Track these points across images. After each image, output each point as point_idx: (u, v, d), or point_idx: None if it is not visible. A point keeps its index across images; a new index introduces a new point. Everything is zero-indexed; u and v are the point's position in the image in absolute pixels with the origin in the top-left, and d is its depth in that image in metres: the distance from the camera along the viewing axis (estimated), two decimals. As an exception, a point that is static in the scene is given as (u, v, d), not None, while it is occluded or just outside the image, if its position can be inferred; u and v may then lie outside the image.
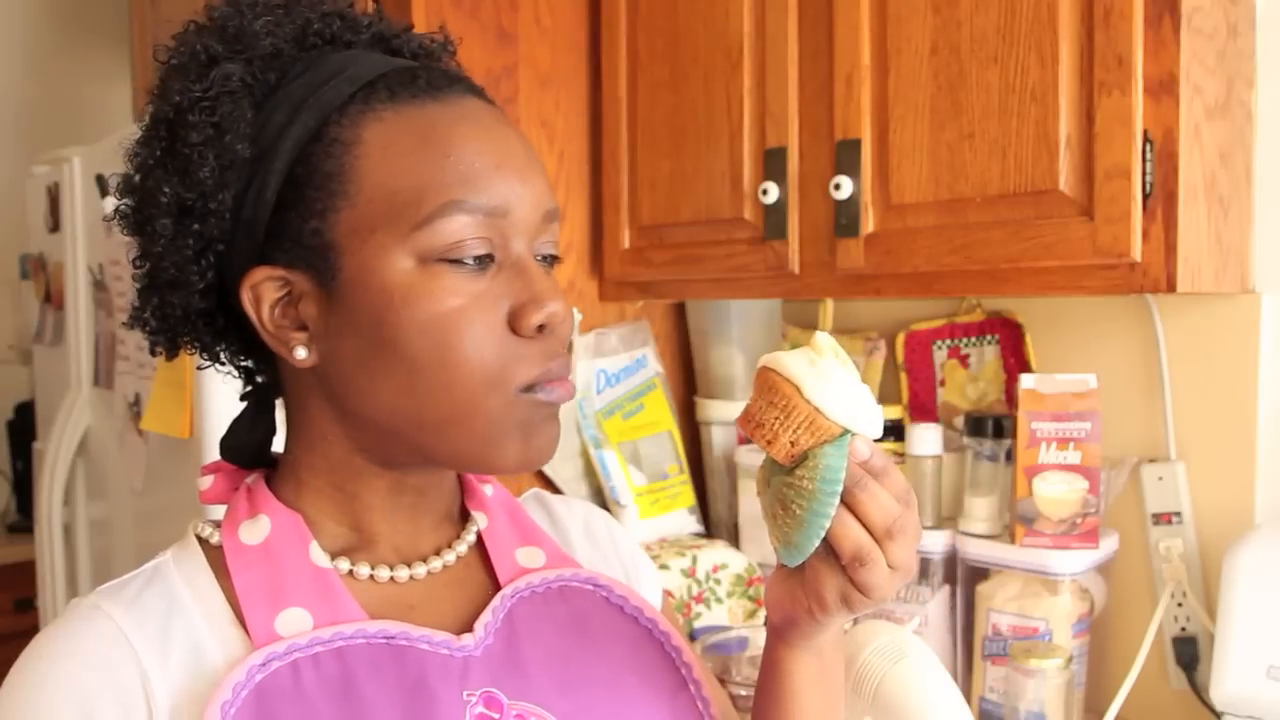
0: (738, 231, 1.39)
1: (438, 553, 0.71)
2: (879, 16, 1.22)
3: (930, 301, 1.53)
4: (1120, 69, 1.03)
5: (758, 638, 1.33)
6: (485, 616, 0.68)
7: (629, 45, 1.52)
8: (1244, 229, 1.18)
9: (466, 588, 0.71)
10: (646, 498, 1.58)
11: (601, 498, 1.58)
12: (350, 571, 0.67)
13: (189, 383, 1.46)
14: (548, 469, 1.54)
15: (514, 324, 0.64)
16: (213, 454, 0.78)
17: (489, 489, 0.77)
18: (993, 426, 1.33)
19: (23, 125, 3.00)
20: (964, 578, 1.35)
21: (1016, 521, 1.27)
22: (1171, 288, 1.03)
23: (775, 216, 1.34)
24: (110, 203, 0.69)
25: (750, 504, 1.56)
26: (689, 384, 1.76)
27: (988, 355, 1.47)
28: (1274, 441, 1.23)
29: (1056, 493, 1.24)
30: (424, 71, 0.67)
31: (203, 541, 0.68)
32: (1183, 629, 1.28)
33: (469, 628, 0.67)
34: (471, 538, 0.73)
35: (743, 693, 1.20)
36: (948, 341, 1.51)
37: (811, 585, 0.64)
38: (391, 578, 0.68)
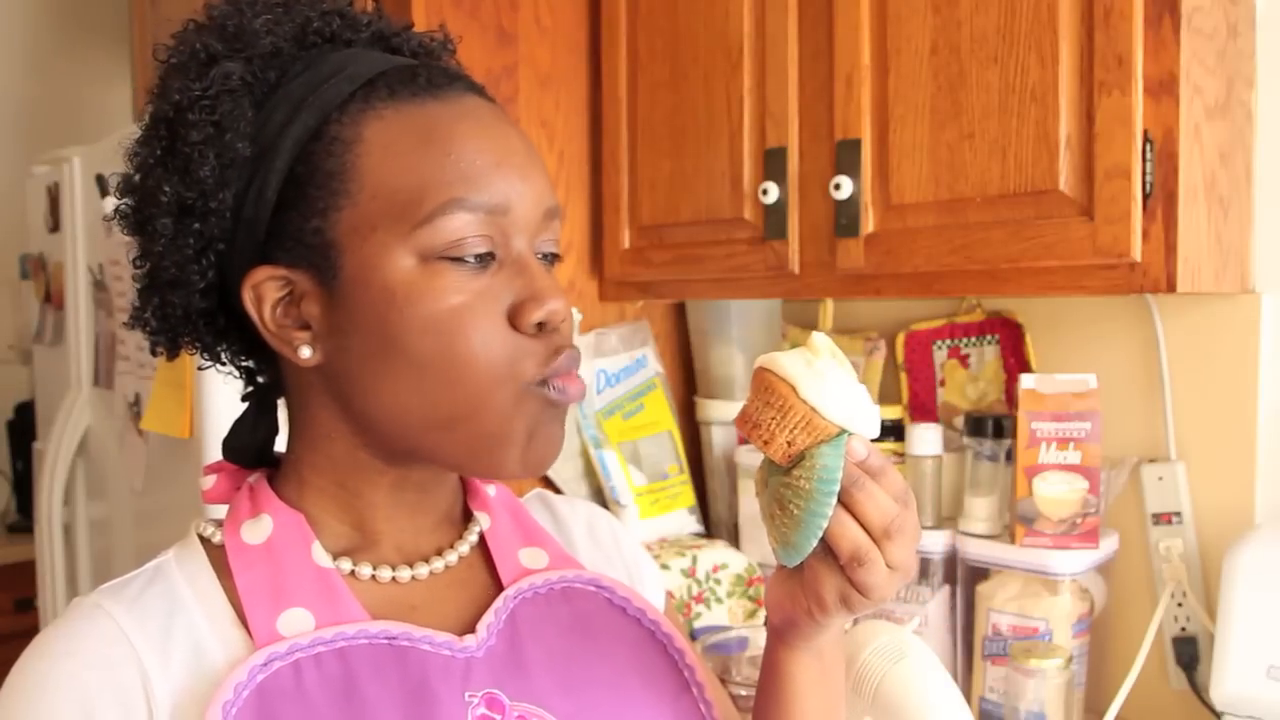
0: (738, 231, 1.39)
1: (440, 553, 0.71)
2: (879, 16, 1.22)
3: (930, 301, 1.53)
4: (1120, 69, 1.03)
5: (758, 638, 1.33)
6: (487, 617, 0.68)
7: (629, 45, 1.52)
8: (1244, 229, 1.18)
9: (469, 588, 0.71)
10: (646, 498, 1.58)
11: (601, 498, 1.58)
12: (352, 571, 0.67)
13: (189, 383, 1.46)
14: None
15: (514, 321, 0.64)
16: (213, 454, 0.78)
17: (492, 489, 0.77)
18: (993, 426, 1.33)
19: (23, 125, 3.00)
20: (964, 578, 1.35)
21: (1016, 521, 1.27)
22: (1171, 288, 1.03)
23: (775, 216, 1.34)
24: (110, 202, 0.69)
25: (750, 504, 1.56)
26: (689, 384, 1.76)
27: (988, 355, 1.47)
28: (1274, 441, 1.23)
29: (1056, 493, 1.24)
30: (424, 69, 0.67)
31: (205, 541, 0.68)
32: (1183, 629, 1.28)
33: (471, 628, 0.67)
34: (474, 538, 0.73)
35: (743, 693, 1.20)
36: (948, 341, 1.51)
37: (810, 586, 0.64)
38: (393, 578, 0.68)
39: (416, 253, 0.62)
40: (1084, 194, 1.06)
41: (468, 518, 0.75)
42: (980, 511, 1.31)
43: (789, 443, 0.61)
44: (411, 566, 0.69)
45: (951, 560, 1.35)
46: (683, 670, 0.73)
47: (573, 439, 1.58)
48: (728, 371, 1.66)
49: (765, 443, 0.61)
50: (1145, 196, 1.03)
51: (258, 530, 0.67)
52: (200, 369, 0.74)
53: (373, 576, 0.68)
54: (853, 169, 1.24)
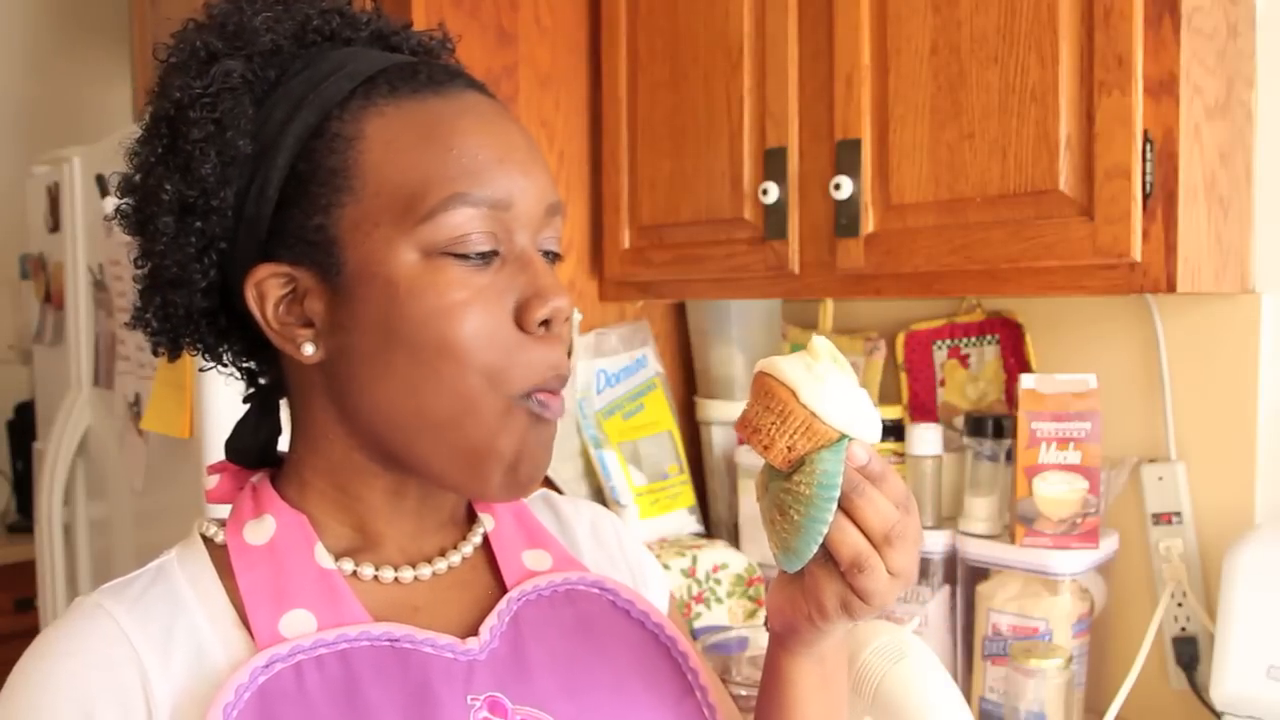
0: (738, 231, 1.39)
1: (443, 554, 0.71)
2: (879, 16, 1.22)
3: (930, 301, 1.53)
4: (1120, 69, 1.03)
5: (758, 638, 1.33)
6: (490, 620, 0.68)
7: (629, 45, 1.52)
8: (1244, 229, 1.18)
9: (472, 590, 0.70)
10: (646, 498, 1.58)
11: (601, 498, 1.58)
12: (355, 572, 0.67)
13: (189, 383, 1.46)
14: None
15: (519, 319, 0.63)
16: (213, 454, 0.78)
17: None
18: (993, 426, 1.33)
19: (23, 125, 3.00)
20: (964, 578, 1.35)
21: (1016, 521, 1.27)
22: (1171, 288, 1.03)
23: (775, 216, 1.34)
24: (110, 202, 0.68)
25: (750, 504, 1.56)
26: (689, 384, 1.76)
27: (988, 355, 1.47)
28: (1274, 441, 1.23)
29: (1056, 493, 1.24)
30: (425, 66, 0.67)
31: (207, 541, 0.68)
32: (1183, 629, 1.28)
33: (474, 630, 0.67)
34: (477, 539, 0.73)
35: (743, 693, 1.20)
36: (948, 341, 1.51)
37: (811, 592, 0.63)
38: (396, 579, 0.68)
39: (419, 248, 0.62)
40: (1084, 194, 1.06)
41: (472, 519, 0.75)
42: (980, 511, 1.31)
43: (789, 448, 0.60)
44: (414, 567, 0.69)
45: (951, 560, 1.35)
46: (686, 674, 0.72)
47: (573, 439, 1.58)
48: (728, 371, 1.66)
49: (765, 448, 0.61)
50: (1145, 196, 1.03)
51: (260, 531, 0.66)
52: (201, 370, 0.73)
53: (375, 577, 0.67)
54: (853, 169, 1.24)
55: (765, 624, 0.70)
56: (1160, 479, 1.29)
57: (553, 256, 0.68)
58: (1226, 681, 1.12)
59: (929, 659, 1.01)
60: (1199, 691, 1.26)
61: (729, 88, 1.39)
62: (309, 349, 0.65)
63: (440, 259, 0.62)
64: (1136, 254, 1.04)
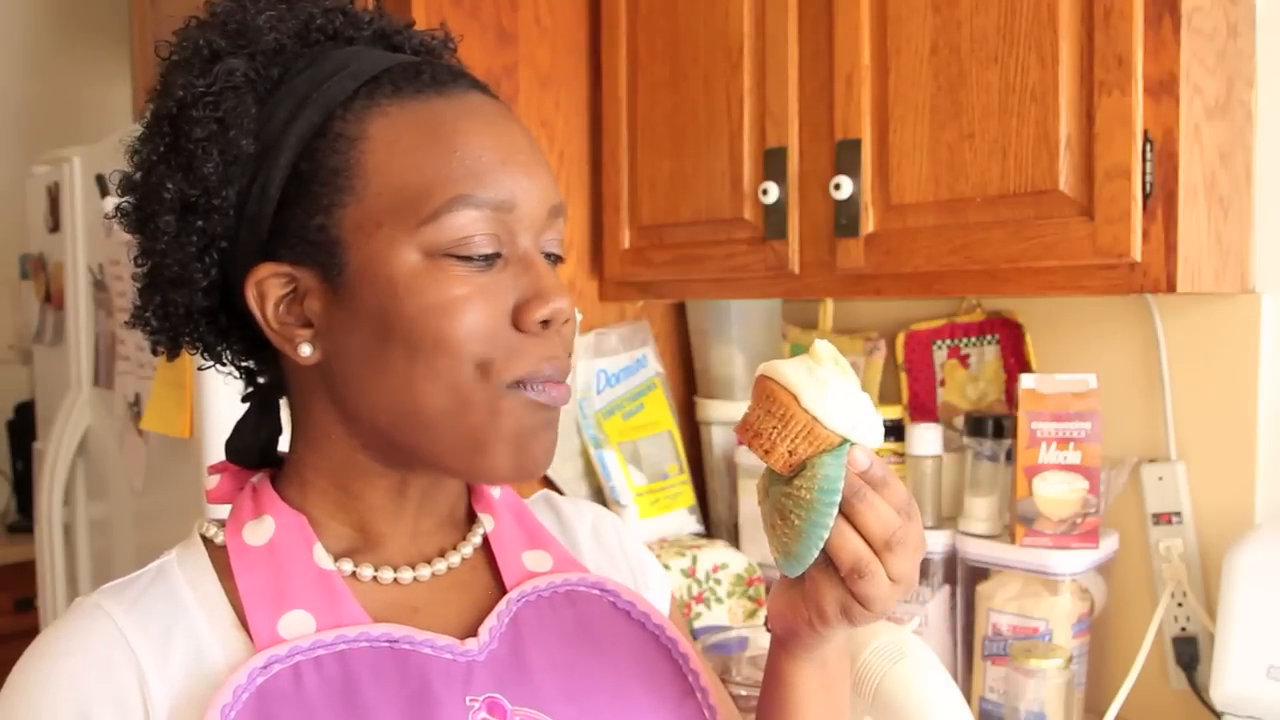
0: (738, 231, 1.39)
1: (443, 554, 0.70)
2: (879, 16, 1.22)
3: (930, 301, 1.53)
4: (1120, 69, 1.03)
5: (758, 638, 1.33)
6: (490, 621, 0.67)
7: (629, 45, 1.52)
8: (1244, 229, 1.18)
9: (472, 591, 0.70)
10: (646, 498, 1.58)
11: (601, 498, 1.58)
12: (354, 573, 0.67)
13: (189, 383, 1.46)
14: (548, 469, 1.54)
15: (517, 319, 0.63)
16: (212, 454, 0.78)
17: (496, 491, 0.76)
18: (993, 426, 1.33)
19: (23, 125, 2.99)
20: (964, 578, 1.35)
21: (1016, 521, 1.27)
22: (1171, 288, 1.03)
23: (775, 216, 1.34)
24: (111, 202, 0.68)
25: (750, 504, 1.56)
26: (689, 384, 1.76)
27: (988, 355, 1.47)
28: (1274, 441, 1.23)
29: (1056, 493, 1.24)
30: (428, 66, 0.66)
31: (207, 541, 0.68)
32: (1183, 629, 1.28)
33: (473, 631, 0.67)
34: (477, 540, 0.73)
35: (743, 693, 1.20)
36: (948, 341, 1.51)
37: (811, 596, 0.63)
38: (395, 580, 0.68)
39: (422, 249, 0.62)
40: (1084, 194, 1.06)
41: (472, 519, 0.75)
42: (980, 511, 1.31)
43: (790, 452, 0.60)
44: (414, 568, 0.68)
45: (951, 560, 1.35)
46: (687, 675, 0.72)
47: (573, 439, 1.59)
48: (728, 371, 1.66)
49: (766, 452, 0.61)
50: (1145, 196, 1.03)
51: (260, 531, 0.66)
52: (200, 369, 0.73)
53: (374, 578, 0.67)
54: (853, 169, 1.24)
55: (766, 625, 0.70)
56: (1160, 479, 1.29)
57: (554, 258, 0.68)
58: (1226, 681, 1.12)
59: (929, 659, 1.01)
60: (1199, 691, 1.25)
61: (729, 88, 1.39)
62: (306, 350, 0.64)
63: (442, 260, 0.62)
64: (1136, 254, 1.04)
